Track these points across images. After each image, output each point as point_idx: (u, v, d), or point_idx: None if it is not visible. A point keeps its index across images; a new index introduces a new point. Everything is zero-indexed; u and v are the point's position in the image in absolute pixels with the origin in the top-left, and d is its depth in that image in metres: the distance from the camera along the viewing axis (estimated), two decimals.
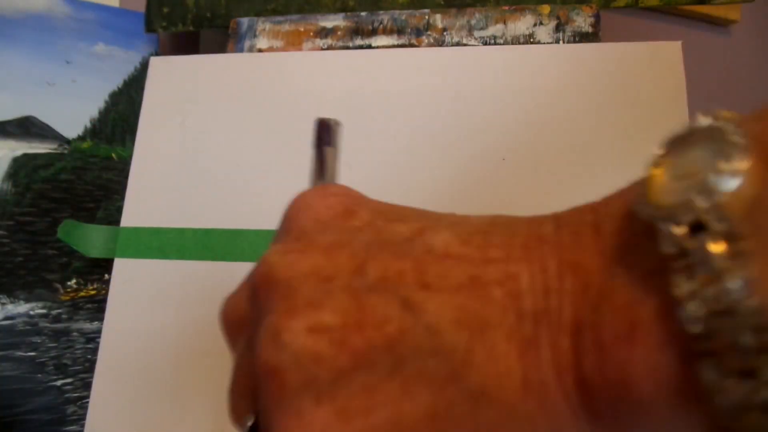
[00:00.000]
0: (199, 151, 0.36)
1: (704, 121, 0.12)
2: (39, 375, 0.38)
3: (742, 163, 0.10)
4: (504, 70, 0.34)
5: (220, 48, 0.41)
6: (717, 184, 0.10)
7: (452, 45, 0.37)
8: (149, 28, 0.42)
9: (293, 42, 0.39)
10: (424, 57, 0.35)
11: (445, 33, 0.37)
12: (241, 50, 0.39)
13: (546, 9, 0.36)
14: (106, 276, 0.40)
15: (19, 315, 0.38)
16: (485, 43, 0.37)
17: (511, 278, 0.13)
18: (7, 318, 0.38)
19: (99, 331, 0.38)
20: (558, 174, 0.32)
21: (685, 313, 0.10)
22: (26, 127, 0.41)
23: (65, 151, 0.41)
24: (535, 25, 0.36)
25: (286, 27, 0.39)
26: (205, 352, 0.33)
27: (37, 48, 0.42)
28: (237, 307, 0.18)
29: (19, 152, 0.40)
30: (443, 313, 0.13)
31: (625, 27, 0.51)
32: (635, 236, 0.12)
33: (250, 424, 0.15)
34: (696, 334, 0.10)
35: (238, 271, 0.33)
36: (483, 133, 0.33)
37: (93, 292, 0.40)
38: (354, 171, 0.34)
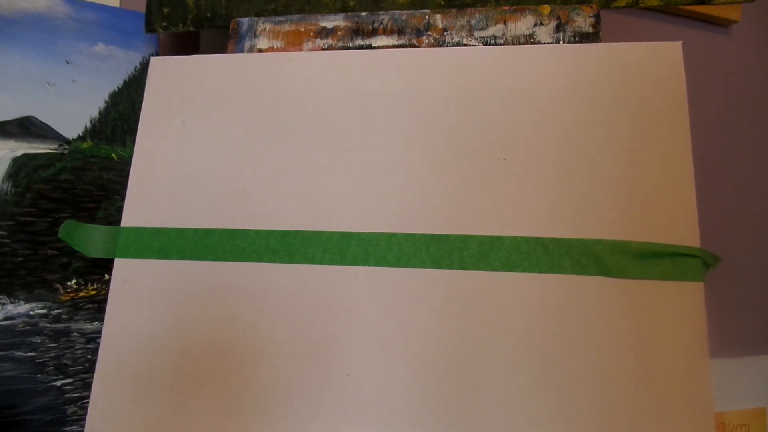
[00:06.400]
0: (199, 151, 0.36)
1: None
2: (39, 375, 0.38)
3: None
4: (504, 70, 0.34)
5: (220, 48, 0.41)
6: None
7: (452, 45, 0.37)
8: (149, 28, 0.42)
9: (293, 42, 0.39)
10: (424, 57, 0.35)
11: (445, 33, 0.37)
12: (241, 50, 0.39)
13: (546, 9, 0.36)
14: (106, 276, 0.40)
15: (19, 315, 0.38)
16: (485, 44, 0.37)
17: None
18: (7, 318, 0.38)
19: (99, 331, 0.38)
20: (558, 174, 0.32)
21: None
22: (26, 127, 0.41)
23: (65, 151, 0.41)
24: (535, 25, 0.36)
25: (287, 27, 0.39)
26: (206, 352, 0.33)
27: (37, 48, 0.42)
28: None
29: (19, 152, 0.40)
30: None
31: (625, 27, 0.51)
32: None
33: None
34: None
35: (238, 271, 0.33)
36: (483, 133, 0.33)
37: (93, 292, 0.40)
38: (354, 171, 0.34)
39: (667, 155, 0.31)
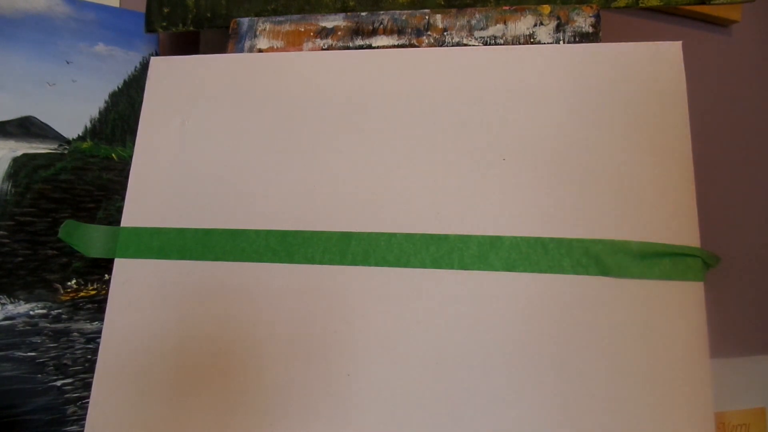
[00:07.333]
0: (200, 151, 0.36)
1: None
2: (39, 375, 0.38)
3: None
4: (504, 70, 0.34)
5: (220, 48, 0.41)
6: None
7: (452, 45, 0.37)
8: (149, 28, 0.42)
9: (293, 42, 0.39)
10: (424, 57, 0.35)
11: (445, 33, 0.37)
12: (241, 50, 0.39)
13: (546, 9, 0.36)
14: (106, 276, 0.40)
15: (19, 315, 0.38)
16: (485, 44, 0.37)
17: None
18: (7, 318, 0.38)
19: (99, 331, 0.38)
20: (558, 174, 0.32)
21: None
22: (26, 127, 0.41)
23: (65, 151, 0.41)
24: (535, 25, 0.36)
25: (287, 27, 0.39)
26: (205, 352, 0.33)
27: (37, 48, 0.42)
28: None
29: (19, 152, 0.40)
30: None
31: (625, 27, 0.51)
32: None
33: None
34: None
35: (238, 271, 0.34)
36: (483, 133, 0.33)
37: (93, 292, 0.40)
38: (354, 171, 0.34)
39: (666, 155, 0.31)
